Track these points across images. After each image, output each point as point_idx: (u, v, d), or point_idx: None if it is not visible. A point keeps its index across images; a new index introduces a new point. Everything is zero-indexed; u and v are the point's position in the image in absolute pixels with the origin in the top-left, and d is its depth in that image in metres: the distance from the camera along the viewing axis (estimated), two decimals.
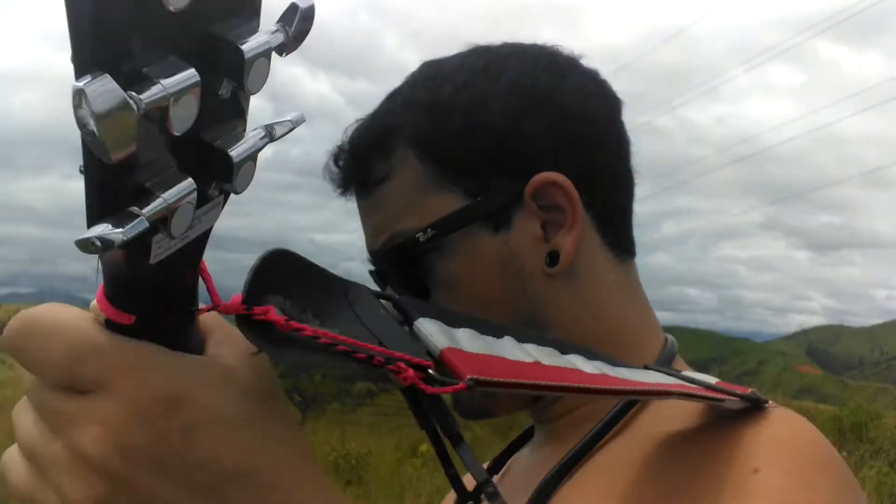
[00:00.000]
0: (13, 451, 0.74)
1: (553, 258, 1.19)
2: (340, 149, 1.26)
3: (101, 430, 0.67)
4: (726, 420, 1.06)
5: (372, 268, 1.28)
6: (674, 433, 1.10)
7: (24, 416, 0.73)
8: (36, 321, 0.70)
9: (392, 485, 14.11)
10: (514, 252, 1.19)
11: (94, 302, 0.71)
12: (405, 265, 1.20)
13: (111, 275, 0.70)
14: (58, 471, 0.68)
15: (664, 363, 1.21)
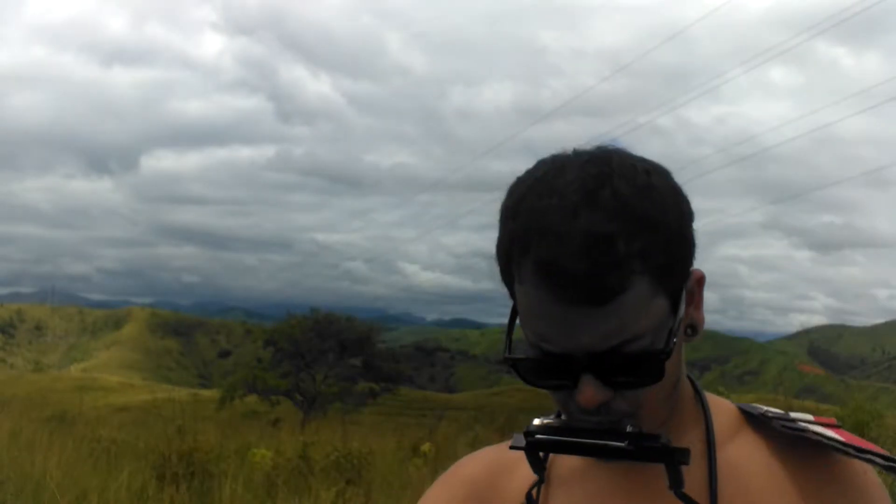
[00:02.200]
0: None
1: (692, 329, 1.48)
2: (563, 257, 1.29)
3: None
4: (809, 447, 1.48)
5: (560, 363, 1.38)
6: (768, 442, 1.51)
7: None
8: None
9: (393, 484, 14.11)
10: (680, 330, 1.41)
11: None
12: (638, 365, 1.34)
13: None
14: None
15: (702, 398, 1.57)
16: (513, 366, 1.43)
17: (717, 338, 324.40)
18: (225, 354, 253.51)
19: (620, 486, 1.50)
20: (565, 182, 1.33)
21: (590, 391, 1.33)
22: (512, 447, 1.47)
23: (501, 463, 1.64)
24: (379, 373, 61.06)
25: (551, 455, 1.59)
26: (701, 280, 1.46)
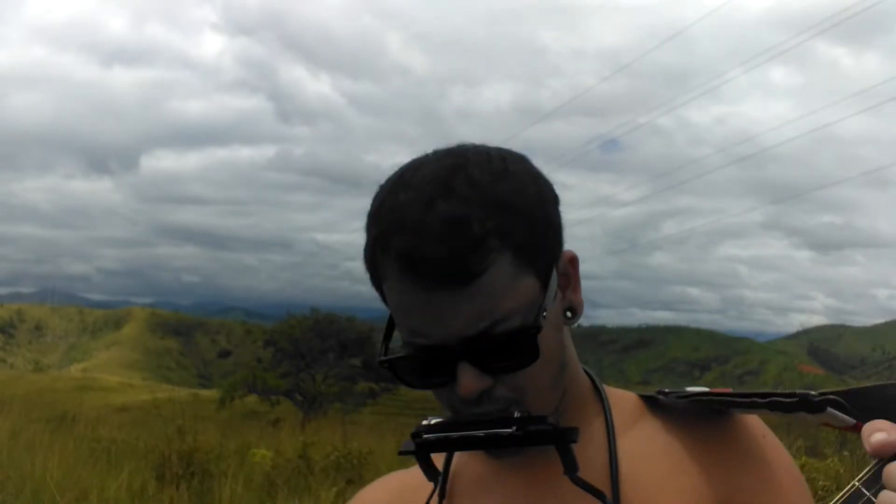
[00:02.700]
0: None
1: (571, 311, 1.49)
2: (420, 246, 1.32)
3: None
4: (694, 412, 1.52)
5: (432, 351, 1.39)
6: (668, 424, 1.53)
7: None
8: None
9: None
10: (557, 313, 1.45)
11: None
12: (511, 344, 1.35)
13: None
14: None
15: (599, 388, 1.61)
16: (390, 368, 1.44)
17: (717, 337, 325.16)
18: (225, 354, 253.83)
19: (525, 495, 1.53)
20: (421, 176, 1.37)
21: (468, 380, 1.34)
22: (400, 453, 1.48)
23: (406, 487, 1.66)
24: (379, 373, 60.67)
25: (452, 468, 1.63)
26: (573, 261, 1.49)
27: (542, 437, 1.35)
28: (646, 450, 1.50)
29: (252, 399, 55.51)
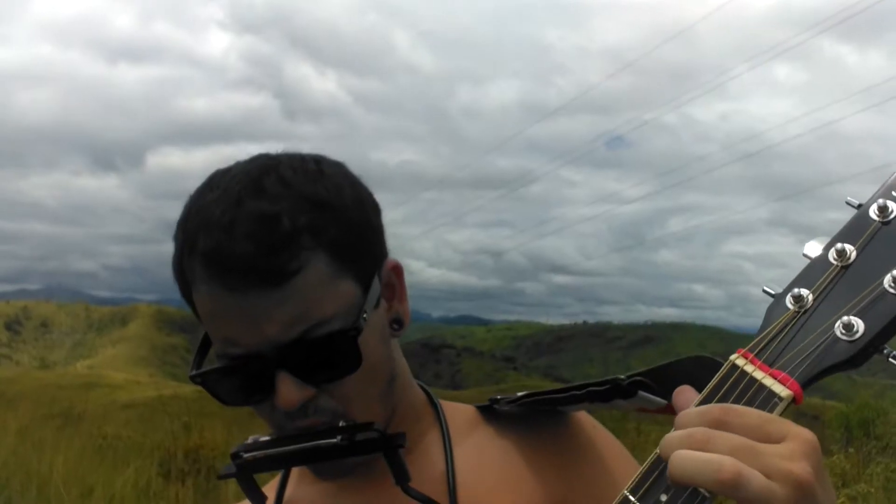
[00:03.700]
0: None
1: (398, 323, 1.49)
2: (227, 243, 1.28)
3: (805, 462, 0.95)
4: (526, 413, 1.53)
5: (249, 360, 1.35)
6: (502, 431, 1.54)
7: (722, 440, 0.98)
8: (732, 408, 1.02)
9: None
10: (383, 323, 1.44)
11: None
12: (330, 350, 1.32)
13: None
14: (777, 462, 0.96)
15: (434, 402, 1.61)
16: (202, 383, 1.39)
17: (723, 334, 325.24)
18: None
19: None
20: (229, 178, 1.35)
21: (287, 390, 1.30)
22: (219, 477, 1.45)
23: None
24: None
25: (286, 496, 1.59)
26: (397, 269, 1.48)
27: (370, 445, 1.33)
28: (481, 459, 1.49)
29: None
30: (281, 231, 1.27)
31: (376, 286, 1.40)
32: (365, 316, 1.34)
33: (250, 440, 1.38)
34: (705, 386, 1.10)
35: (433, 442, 1.52)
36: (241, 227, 1.26)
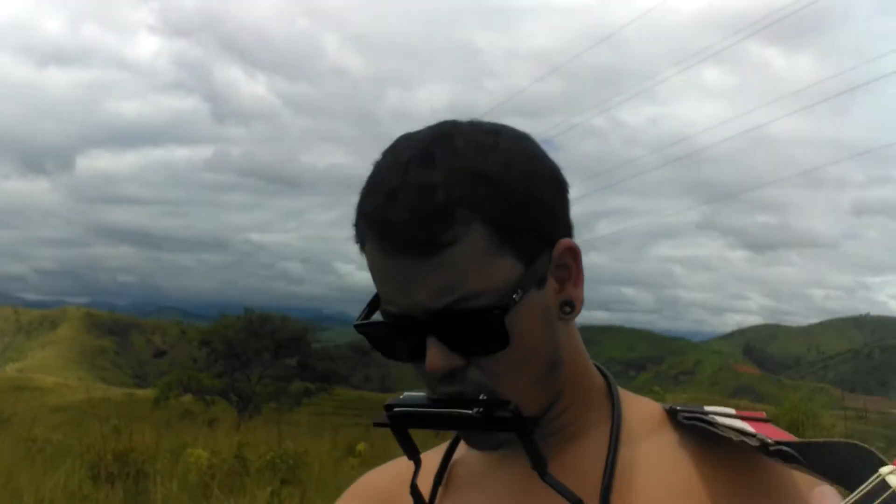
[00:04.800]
0: None
1: (570, 306, 1.39)
2: (386, 209, 1.29)
3: None
4: (726, 446, 1.32)
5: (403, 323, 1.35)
6: (684, 440, 1.39)
7: None
8: None
9: (329, 484, 14.13)
10: (548, 304, 1.35)
11: None
12: (477, 324, 1.29)
13: None
14: None
15: (613, 393, 1.48)
16: (364, 332, 1.41)
17: (652, 338, 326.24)
18: (160, 354, 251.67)
19: (521, 489, 1.42)
20: (408, 143, 1.35)
21: (434, 356, 1.29)
22: (375, 424, 1.43)
23: (409, 473, 1.52)
24: (314, 372, 61.28)
25: (455, 456, 1.57)
26: (573, 251, 1.39)
27: (502, 423, 1.28)
28: (649, 465, 1.38)
29: (187, 399, 55.21)
30: (436, 202, 1.26)
31: (541, 265, 1.33)
32: (516, 296, 1.28)
33: (403, 395, 1.39)
34: (851, 476, 1.05)
35: (600, 436, 1.42)
36: (402, 195, 1.27)
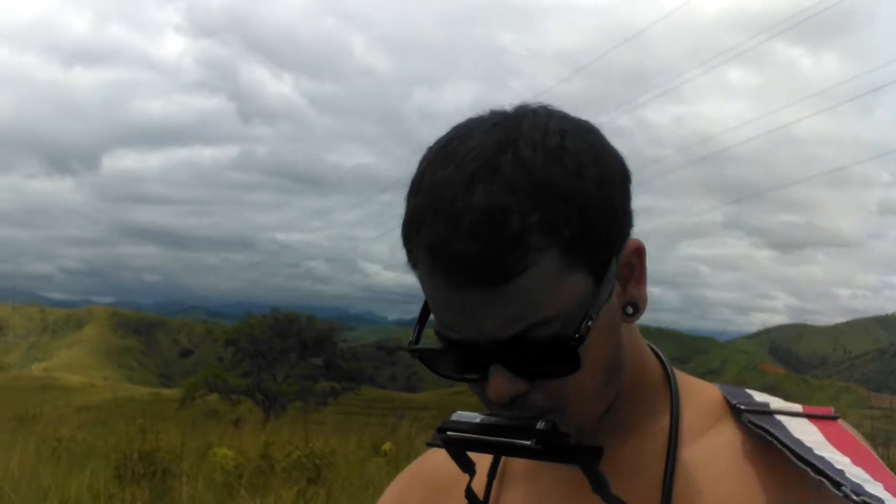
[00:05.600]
0: None
1: (633, 307, 1.30)
2: (451, 239, 1.17)
3: None
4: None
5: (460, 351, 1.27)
6: (746, 435, 1.30)
7: None
8: None
9: (354, 483, 14.07)
10: (615, 311, 1.27)
11: None
12: (548, 352, 1.20)
13: None
14: None
15: (672, 383, 1.41)
16: (420, 357, 1.31)
17: (678, 337, 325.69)
18: (186, 354, 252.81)
19: (575, 482, 1.29)
20: (466, 149, 1.21)
21: (499, 383, 1.21)
22: (428, 444, 1.40)
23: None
24: (340, 372, 61.53)
25: (504, 461, 1.51)
26: (639, 251, 1.30)
27: (564, 455, 1.19)
28: (710, 467, 1.30)
29: (213, 398, 55.49)
30: (509, 230, 1.14)
31: (611, 277, 1.24)
32: (591, 323, 1.19)
33: (455, 416, 1.29)
34: None
35: (659, 431, 1.36)
36: (468, 219, 1.14)
